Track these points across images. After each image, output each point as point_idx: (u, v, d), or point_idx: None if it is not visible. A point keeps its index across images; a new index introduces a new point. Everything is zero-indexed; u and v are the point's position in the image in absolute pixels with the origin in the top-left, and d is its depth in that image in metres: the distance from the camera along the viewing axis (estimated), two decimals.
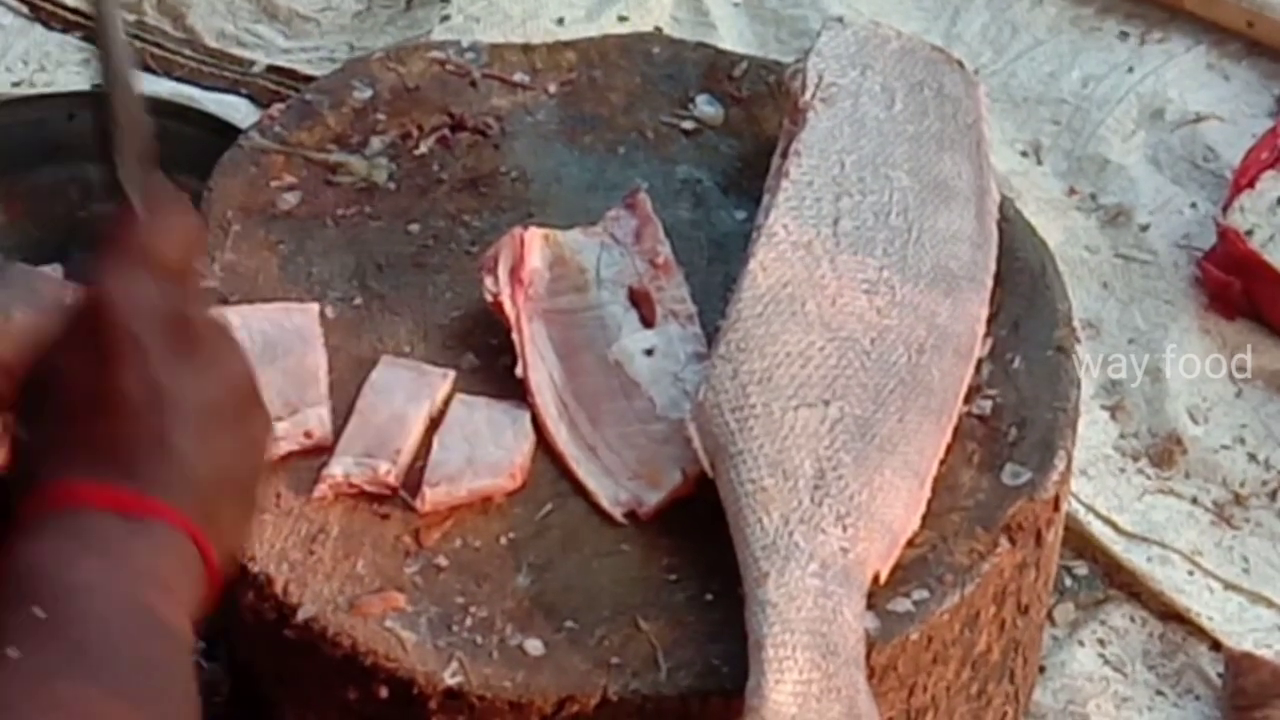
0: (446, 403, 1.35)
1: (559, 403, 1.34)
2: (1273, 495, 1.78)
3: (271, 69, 2.20)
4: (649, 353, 1.37)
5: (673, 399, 1.33)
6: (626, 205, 1.45)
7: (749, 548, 1.22)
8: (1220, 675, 1.65)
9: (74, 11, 2.26)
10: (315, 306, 1.40)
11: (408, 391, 1.34)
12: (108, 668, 0.94)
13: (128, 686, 0.94)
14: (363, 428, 1.32)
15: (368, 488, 1.29)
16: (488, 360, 1.39)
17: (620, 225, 1.44)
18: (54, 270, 1.85)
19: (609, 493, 1.30)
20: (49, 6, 2.26)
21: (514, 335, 1.36)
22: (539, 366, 1.35)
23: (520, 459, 1.31)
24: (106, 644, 0.95)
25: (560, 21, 2.15)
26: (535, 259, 1.40)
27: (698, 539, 1.28)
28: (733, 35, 2.19)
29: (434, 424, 1.33)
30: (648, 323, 1.39)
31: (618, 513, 1.29)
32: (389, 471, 1.29)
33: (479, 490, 1.30)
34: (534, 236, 1.41)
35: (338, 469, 1.30)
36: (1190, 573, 1.72)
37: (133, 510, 1.00)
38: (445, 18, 2.20)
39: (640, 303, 1.40)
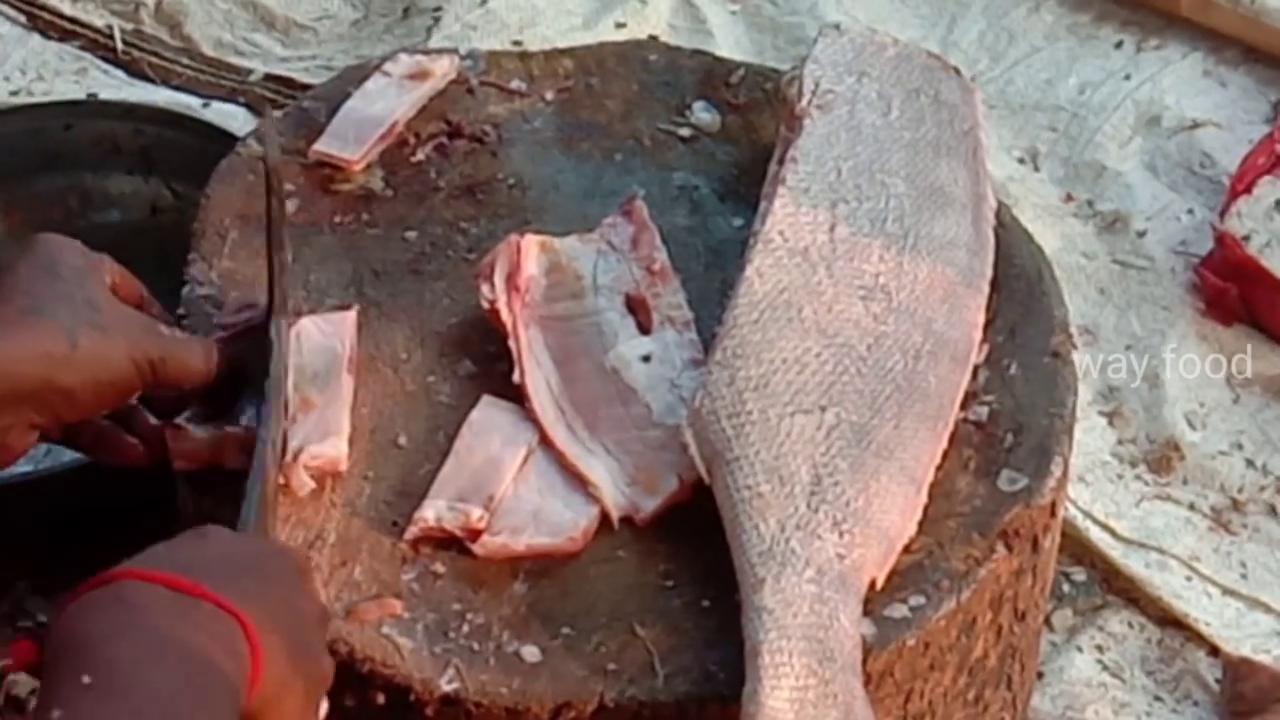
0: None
1: (556, 408, 1.34)
2: (1270, 501, 1.78)
3: (269, 77, 2.20)
4: (646, 359, 1.36)
5: (669, 405, 1.33)
6: (623, 212, 1.45)
7: (745, 554, 1.22)
8: (1218, 680, 1.65)
9: (71, 21, 2.26)
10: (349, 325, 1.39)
11: (505, 435, 1.32)
12: None
13: None
14: (458, 471, 1.30)
15: (458, 533, 1.27)
16: (485, 367, 1.39)
17: (617, 232, 1.44)
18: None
19: (607, 499, 1.30)
20: (47, 16, 2.27)
21: (511, 342, 1.36)
22: (535, 372, 1.35)
23: (586, 524, 1.29)
24: (150, 712, 0.96)
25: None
26: (532, 266, 1.40)
27: (694, 545, 1.28)
28: (730, 42, 2.19)
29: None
30: (644, 329, 1.38)
31: (615, 518, 1.29)
32: (481, 518, 1.27)
33: (538, 548, 1.27)
34: (530, 244, 1.41)
35: (430, 513, 1.28)
36: (1188, 578, 1.72)
37: (185, 589, 1.02)
38: (437, 19, 2.20)
39: (637, 309, 1.40)
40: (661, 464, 1.30)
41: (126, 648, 0.98)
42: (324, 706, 1.10)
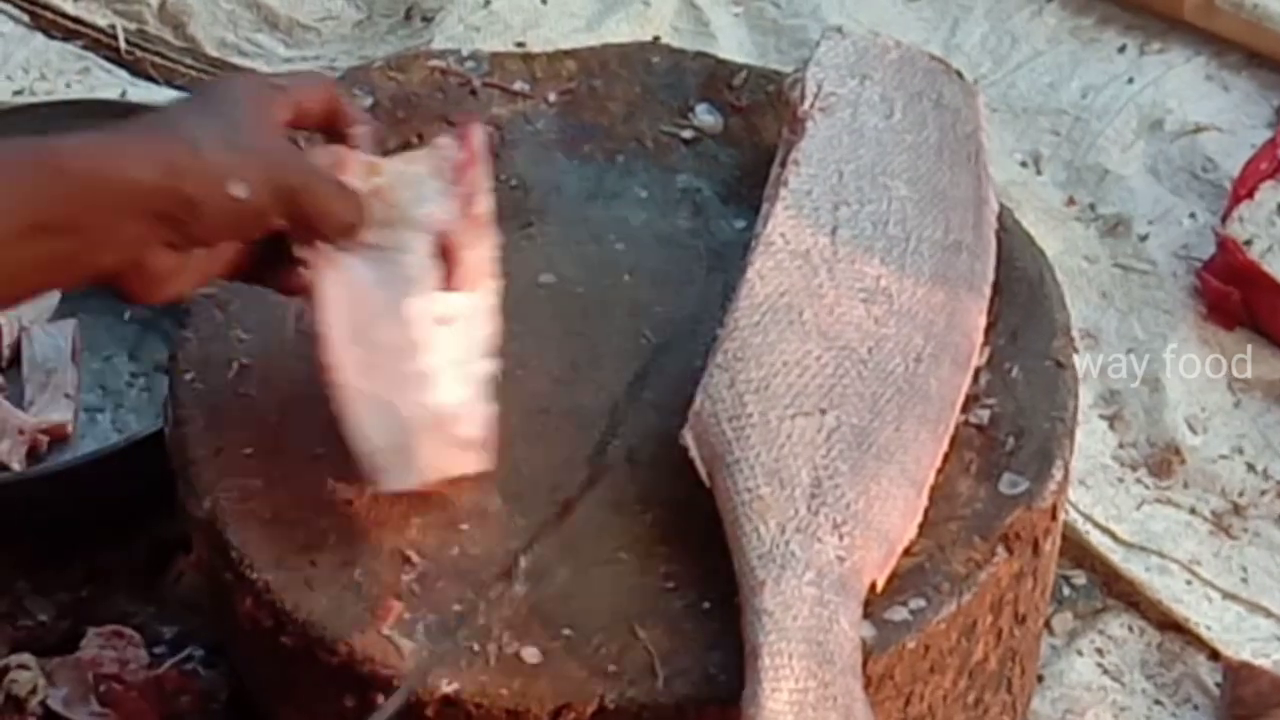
0: None
1: (345, 338, 1.24)
2: (1271, 505, 1.78)
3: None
4: (444, 322, 1.25)
5: (449, 385, 1.25)
6: (458, 135, 1.32)
7: (746, 556, 1.22)
8: (1218, 685, 1.65)
9: (74, 20, 2.26)
10: None
11: None
12: None
13: None
14: None
15: None
16: None
17: (446, 158, 1.30)
18: None
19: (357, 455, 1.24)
20: (49, 15, 2.27)
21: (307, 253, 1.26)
22: (337, 294, 1.25)
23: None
24: None
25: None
26: (356, 183, 1.27)
27: (696, 548, 1.28)
28: (732, 45, 2.19)
29: None
30: (450, 283, 1.26)
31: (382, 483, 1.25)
32: None
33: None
34: (353, 159, 1.28)
35: None
36: (1189, 582, 1.72)
37: None
38: (439, 20, 2.21)
39: (446, 256, 1.26)
40: (410, 446, 1.24)
41: None
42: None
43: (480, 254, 1.27)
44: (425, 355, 1.24)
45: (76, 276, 1.19)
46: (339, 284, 1.25)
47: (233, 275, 1.27)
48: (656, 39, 1.67)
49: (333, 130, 1.30)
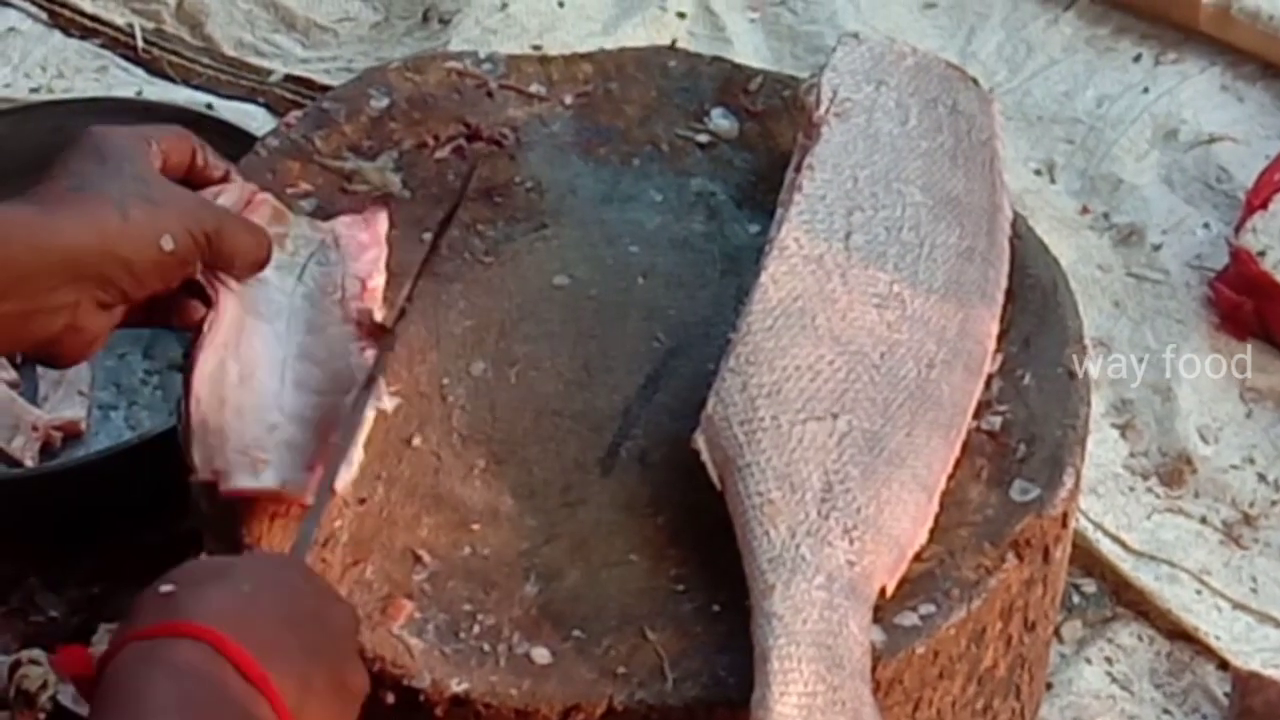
0: None
1: (223, 343, 1.33)
2: None
3: (289, 78, 2.21)
4: (309, 359, 1.35)
5: (297, 409, 1.31)
6: (364, 219, 1.44)
7: (756, 560, 1.22)
8: (1227, 694, 1.65)
9: (92, 19, 2.27)
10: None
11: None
12: None
13: None
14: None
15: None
16: (499, 370, 1.39)
17: (351, 233, 1.43)
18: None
19: (204, 452, 1.28)
20: (68, 14, 2.27)
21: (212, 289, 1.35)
22: (229, 304, 1.34)
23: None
24: None
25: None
26: (261, 217, 1.39)
27: (706, 550, 1.28)
28: (748, 50, 2.19)
29: None
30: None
31: (200, 474, 1.28)
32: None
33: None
34: (264, 200, 1.40)
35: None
36: (1198, 592, 1.72)
37: (253, 679, 1.04)
38: (456, 23, 2.21)
39: (360, 324, 1.37)
40: (279, 456, 1.28)
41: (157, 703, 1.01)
42: None
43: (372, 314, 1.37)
44: (286, 378, 1.33)
45: (17, 343, 1.25)
46: (232, 311, 1.34)
47: (136, 322, 1.33)
48: (674, 43, 1.67)
49: (193, 182, 1.35)
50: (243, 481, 1.27)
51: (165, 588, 1.09)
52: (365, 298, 1.39)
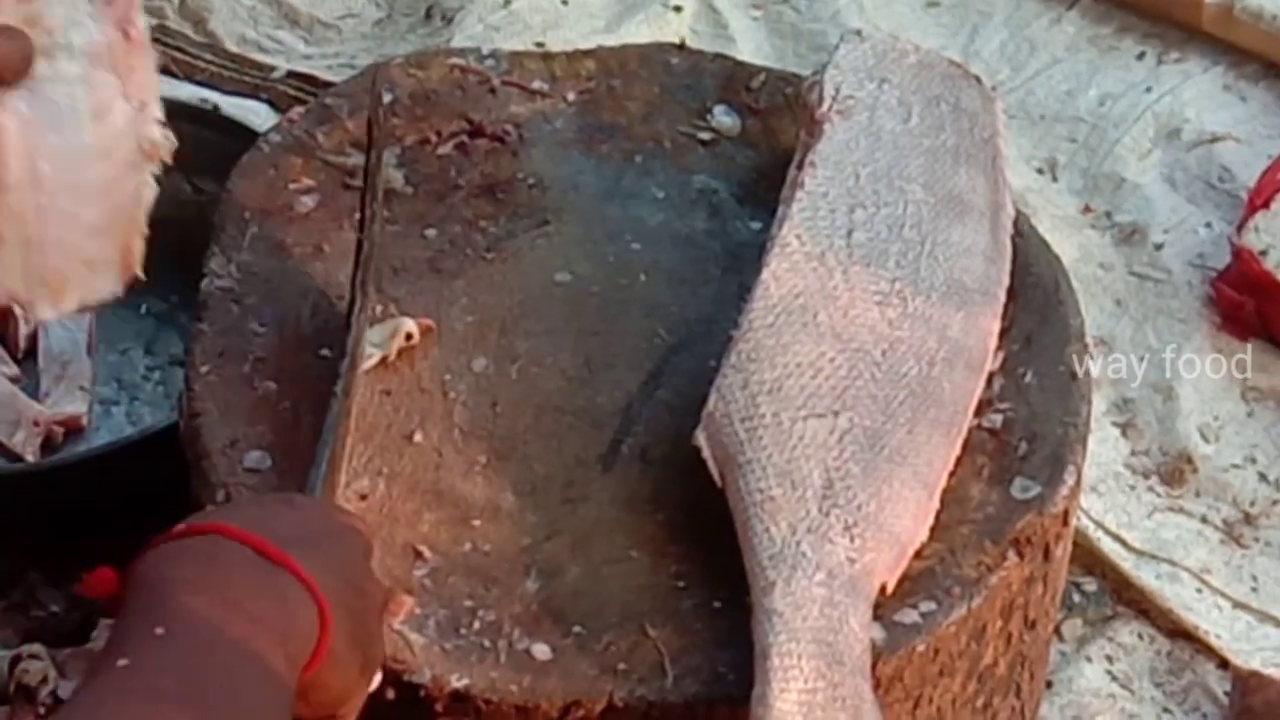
0: None
1: (30, 171, 1.19)
2: None
3: (292, 74, 2.21)
4: (102, 155, 1.21)
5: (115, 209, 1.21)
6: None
7: (756, 556, 1.22)
8: (1227, 693, 1.65)
9: None
10: None
11: None
12: (209, 703, 0.96)
13: None
14: None
15: None
16: (501, 366, 1.40)
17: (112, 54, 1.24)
18: None
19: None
20: None
21: None
22: (9, 132, 1.19)
23: None
24: (213, 680, 0.97)
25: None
26: (8, 17, 1.19)
27: (707, 547, 1.28)
28: (751, 48, 2.19)
29: None
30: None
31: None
32: None
33: None
34: None
35: None
36: (1199, 591, 1.72)
37: (272, 556, 1.03)
38: (459, 20, 2.21)
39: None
40: (73, 273, 1.20)
41: (205, 604, 1.00)
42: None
43: (143, 76, 1.24)
44: (82, 180, 1.21)
45: None
46: (9, 123, 1.20)
47: None
48: (683, 42, 1.67)
49: None
50: (45, 313, 1.21)
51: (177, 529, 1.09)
52: (134, 50, 1.22)
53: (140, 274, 1.21)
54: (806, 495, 1.25)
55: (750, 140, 1.57)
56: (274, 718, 1.00)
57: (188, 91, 2.14)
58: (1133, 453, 1.82)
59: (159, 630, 0.98)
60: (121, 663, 0.96)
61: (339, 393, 1.29)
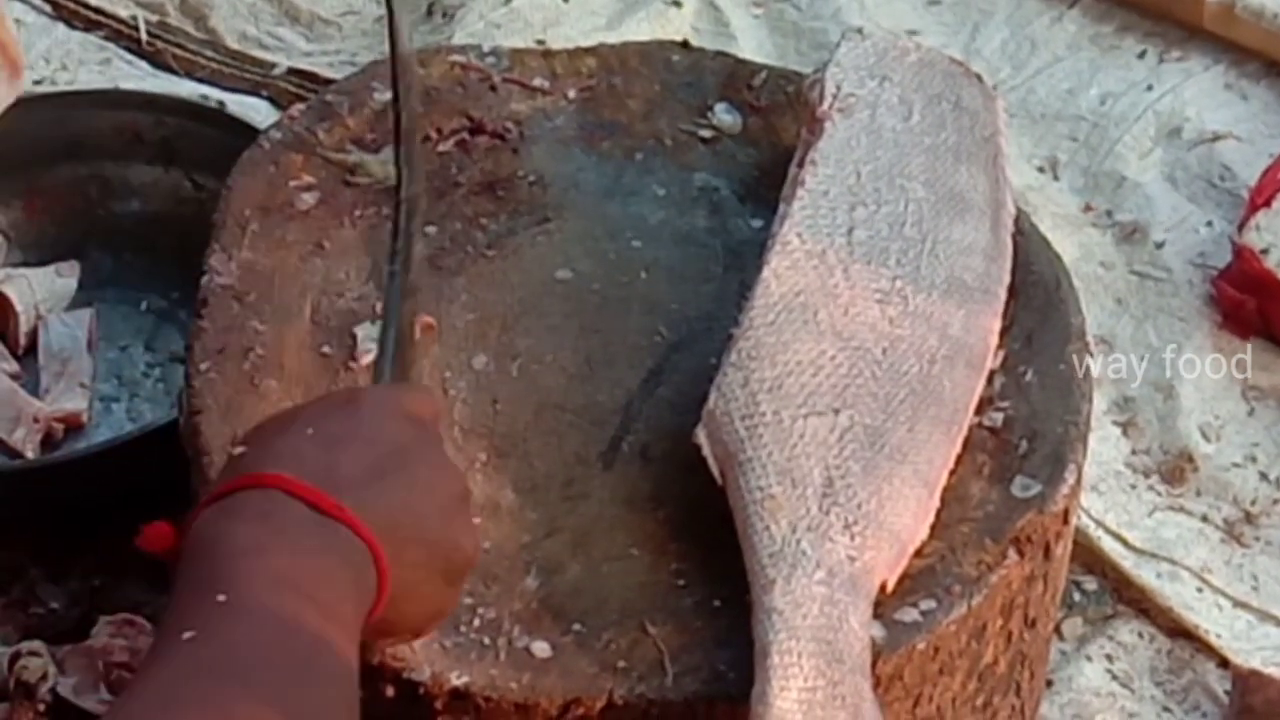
0: None
1: None
2: None
3: (293, 71, 2.20)
4: None
5: None
6: None
7: (756, 555, 1.22)
8: (1228, 693, 1.65)
9: (96, 11, 2.27)
10: None
11: None
12: (273, 678, 0.97)
13: (291, 704, 0.96)
14: None
15: None
16: (501, 363, 1.39)
17: None
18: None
19: None
20: (71, 5, 2.27)
21: None
22: None
23: None
24: (277, 653, 0.98)
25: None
26: None
27: (707, 545, 1.28)
28: (752, 46, 2.19)
29: None
30: None
31: None
32: None
33: None
34: None
35: None
36: (1199, 590, 1.72)
37: (327, 509, 1.03)
38: (460, 17, 2.21)
39: None
40: None
41: (263, 568, 1.00)
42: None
43: None
44: None
45: None
46: None
47: None
48: (685, 42, 1.67)
49: None
50: None
51: (237, 450, 1.09)
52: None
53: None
54: (807, 493, 1.25)
55: (751, 138, 1.57)
56: (337, 684, 1.00)
57: (188, 88, 2.14)
58: (1133, 451, 1.82)
59: (220, 598, 0.97)
60: (187, 634, 0.96)
61: (397, 269, 1.27)
